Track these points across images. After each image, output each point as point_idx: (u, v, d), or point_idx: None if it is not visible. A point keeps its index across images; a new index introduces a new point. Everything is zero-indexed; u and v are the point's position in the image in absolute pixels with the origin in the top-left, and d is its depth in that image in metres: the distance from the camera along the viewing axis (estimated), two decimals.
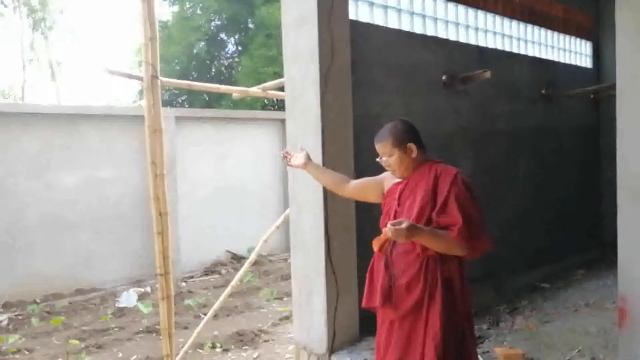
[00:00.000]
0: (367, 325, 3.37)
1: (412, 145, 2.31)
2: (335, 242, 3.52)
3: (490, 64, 4.72)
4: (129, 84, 21.41)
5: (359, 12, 4.04)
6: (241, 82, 12.77)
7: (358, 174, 3.42)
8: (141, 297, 7.33)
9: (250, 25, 15.77)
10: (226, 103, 14.30)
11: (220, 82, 12.52)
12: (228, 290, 4.78)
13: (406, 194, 2.33)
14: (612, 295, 4.63)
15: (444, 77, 4.61)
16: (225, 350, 5.33)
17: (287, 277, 7.60)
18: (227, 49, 16.85)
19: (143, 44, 4.05)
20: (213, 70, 16.60)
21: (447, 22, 4.87)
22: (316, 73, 3.47)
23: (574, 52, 6.64)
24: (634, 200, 2.67)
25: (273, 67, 12.79)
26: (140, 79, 4.27)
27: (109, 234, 7.82)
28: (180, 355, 4.56)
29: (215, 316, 5.49)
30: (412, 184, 2.32)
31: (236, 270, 7.82)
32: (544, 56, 6.09)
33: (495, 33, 5.42)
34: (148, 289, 7.65)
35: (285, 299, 6.92)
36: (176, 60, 15.50)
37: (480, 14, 5.24)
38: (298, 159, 2.76)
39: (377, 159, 2.42)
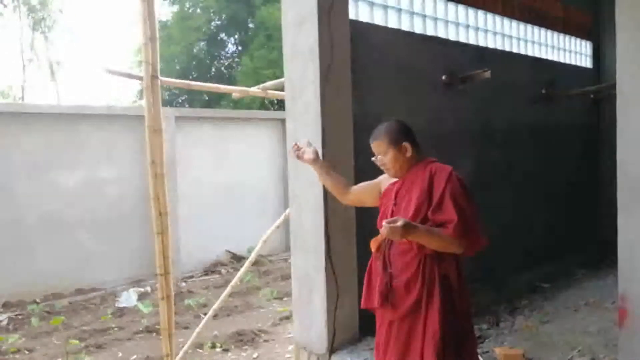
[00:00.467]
0: (367, 324, 3.36)
1: (406, 145, 2.32)
2: (335, 241, 3.52)
3: (490, 64, 4.72)
4: (128, 83, 21.44)
5: (358, 11, 4.03)
6: (241, 82, 12.77)
7: (357, 173, 3.42)
8: (141, 297, 7.33)
9: (250, 25, 15.78)
10: (226, 103, 14.30)
11: (221, 82, 12.50)
12: (228, 290, 4.78)
13: (402, 193, 2.34)
14: (612, 295, 4.63)
15: (443, 77, 4.61)
16: (225, 350, 5.33)
17: (287, 277, 7.60)
18: (227, 49, 16.88)
19: (143, 43, 4.04)
20: (213, 70, 16.62)
21: (447, 22, 4.87)
22: (316, 72, 3.47)
23: (574, 52, 6.65)
24: (634, 200, 2.67)
25: (274, 69, 12.78)
26: (140, 78, 4.27)
27: (108, 233, 7.82)
28: (180, 355, 4.55)
29: (215, 316, 5.49)
30: (408, 183, 2.33)
31: (236, 270, 7.82)
32: (544, 56, 6.10)
33: (495, 33, 5.42)
34: (148, 289, 7.65)
35: (285, 298, 6.92)
36: (176, 60, 15.51)
37: (481, 13, 5.24)
38: (307, 153, 2.69)
39: (373, 159, 2.43)
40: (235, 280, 4.74)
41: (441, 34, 4.79)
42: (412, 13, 4.52)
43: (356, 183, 2.75)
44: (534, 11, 5.87)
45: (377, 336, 2.43)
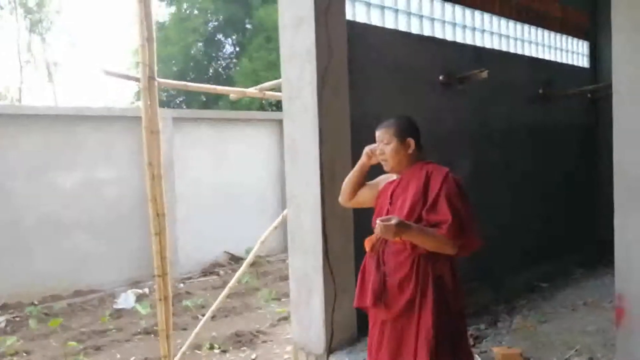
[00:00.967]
0: (365, 325, 3.35)
1: (411, 141, 2.34)
2: (333, 242, 3.53)
3: (487, 64, 4.73)
4: (126, 85, 21.47)
5: (355, 12, 4.04)
6: (240, 84, 12.75)
7: None
8: (139, 298, 7.31)
9: (248, 26, 15.77)
10: (224, 104, 14.29)
11: (218, 83, 12.52)
12: (226, 291, 4.77)
13: (398, 192, 2.34)
14: (609, 294, 4.63)
15: (441, 77, 4.62)
16: (224, 351, 5.32)
17: (285, 278, 7.59)
18: (224, 50, 16.86)
19: (140, 45, 4.03)
20: (211, 71, 16.60)
21: (444, 22, 4.87)
22: (313, 73, 3.47)
23: (571, 51, 6.66)
24: (631, 199, 2.68)
25: (273, 71, 12.76)
26: (137, 80, 4.26)
27: (107, 235, 7.80)
28: (178, 357, 4.55)
29: (214, 317, 5.48)
30: (404, 183, 2.34)
31: (234, 271, 7.80)
32: (541, 56, 6.11)
33: (492, 33, 5.42)
34: (146, 290, 7.63)
35: (283, 299, 6.91)
36: (173, 61, 15.48)
37: (478, 14, 5.24)
38: (374, 160, 2.51)
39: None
40: (233, 281, 4.74)
41: (438, 34, 4.80)
42: (409, 13, 4.53)
43: None
44: (532, 11, 5.88)
45: (370, 337, 2.44)
